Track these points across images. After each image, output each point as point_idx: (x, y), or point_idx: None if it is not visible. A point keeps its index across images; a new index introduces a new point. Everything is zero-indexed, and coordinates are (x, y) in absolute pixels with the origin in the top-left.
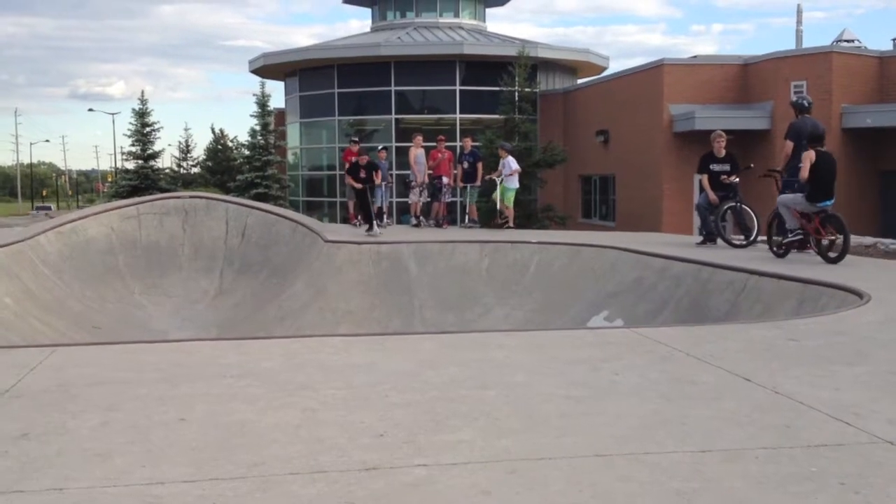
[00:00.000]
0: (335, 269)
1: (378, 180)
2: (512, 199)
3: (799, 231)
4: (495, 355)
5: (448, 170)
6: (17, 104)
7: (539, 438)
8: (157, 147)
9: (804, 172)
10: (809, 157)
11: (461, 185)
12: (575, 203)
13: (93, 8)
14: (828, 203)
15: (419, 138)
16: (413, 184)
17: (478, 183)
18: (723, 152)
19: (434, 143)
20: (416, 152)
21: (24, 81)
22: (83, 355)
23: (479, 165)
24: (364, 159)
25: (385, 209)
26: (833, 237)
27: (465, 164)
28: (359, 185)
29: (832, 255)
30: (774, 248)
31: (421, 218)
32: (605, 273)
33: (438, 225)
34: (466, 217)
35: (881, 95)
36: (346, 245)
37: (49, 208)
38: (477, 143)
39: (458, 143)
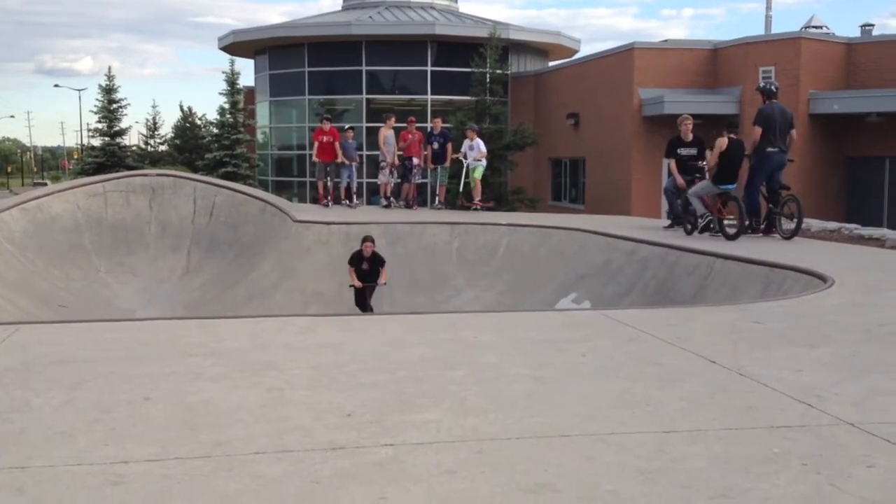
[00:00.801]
0: (304, 249)
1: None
2: (481, 174)
3: (709, 214)
4: (463, 336)
5: (418, 151)
6: None
7: (506, 418)
8: (123, 124)
9: (713, 158)
10: (721, 144)
11: (431, 166)
12: (545, 186)
13: None
14: (729, 186)
15: (391, 119)
16: (383, 164)
17: (447, 164)
18: (690, 136)
19: (405, 124)
20: (387, 133)
21: None
22: (47, 333)
23: (450, 146)
24: (369, 249)
25: (354, 189)
26: (734, 217)
27: (436, 145)
28: (358, 284)
29: (785, 233)
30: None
31: (391, 199)
32: (574, 255)
33: (409, 206)
34: (437, 198)
35: (848, 82)
36: (315, 225)
37: (45, 185)
38: (448, 125)
39: (428, 124)
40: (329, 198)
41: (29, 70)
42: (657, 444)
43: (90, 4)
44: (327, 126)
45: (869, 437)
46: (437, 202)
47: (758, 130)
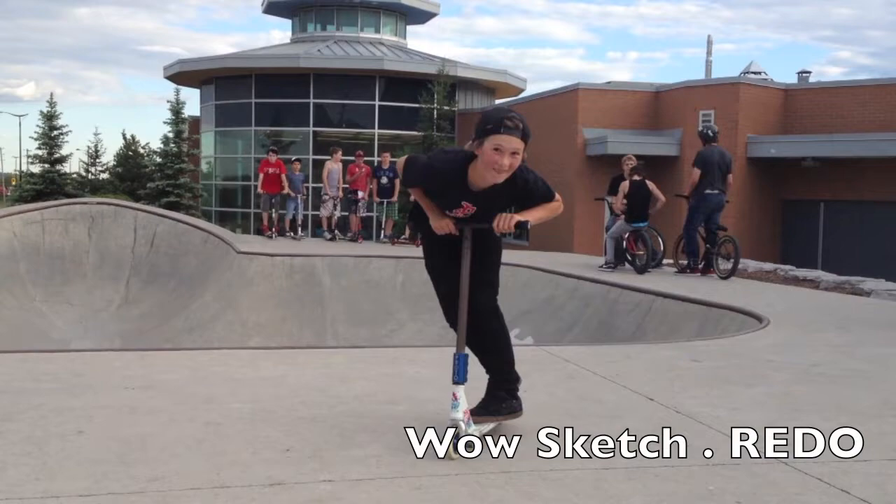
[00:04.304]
0: (247, 280)
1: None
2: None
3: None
4: (406, 370)
5: (365, 184)
6: None
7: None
8: (65, 151)
9: (618, 200)
10: (624, 187)
11: (377, 199)
12: None
13: (5, 6)
14: (640, 224)
15: (338, 153)
16: (325, 197)
17: (394, 199)
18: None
19: (352, 157)
20: (332, 167)
21: None
22: None
23: (397, 181)
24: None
25: (300, 222)
26: (642, 252)
27: (384, 180)
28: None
29: (722, 273)
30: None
31: (336, 232)
32: (517, 291)
33: (354, 239)
34: (383, 232)
35: (785, 127)
36: (259, 257)
37: None
38: (394, 160)
39: (376, 158)
40: (274, 229)
41: None
42: (595, 480)
43: (33, 30)
44: (273, 158)
45: (802, 476)
46: (382, 236)
47: (697, 172)
